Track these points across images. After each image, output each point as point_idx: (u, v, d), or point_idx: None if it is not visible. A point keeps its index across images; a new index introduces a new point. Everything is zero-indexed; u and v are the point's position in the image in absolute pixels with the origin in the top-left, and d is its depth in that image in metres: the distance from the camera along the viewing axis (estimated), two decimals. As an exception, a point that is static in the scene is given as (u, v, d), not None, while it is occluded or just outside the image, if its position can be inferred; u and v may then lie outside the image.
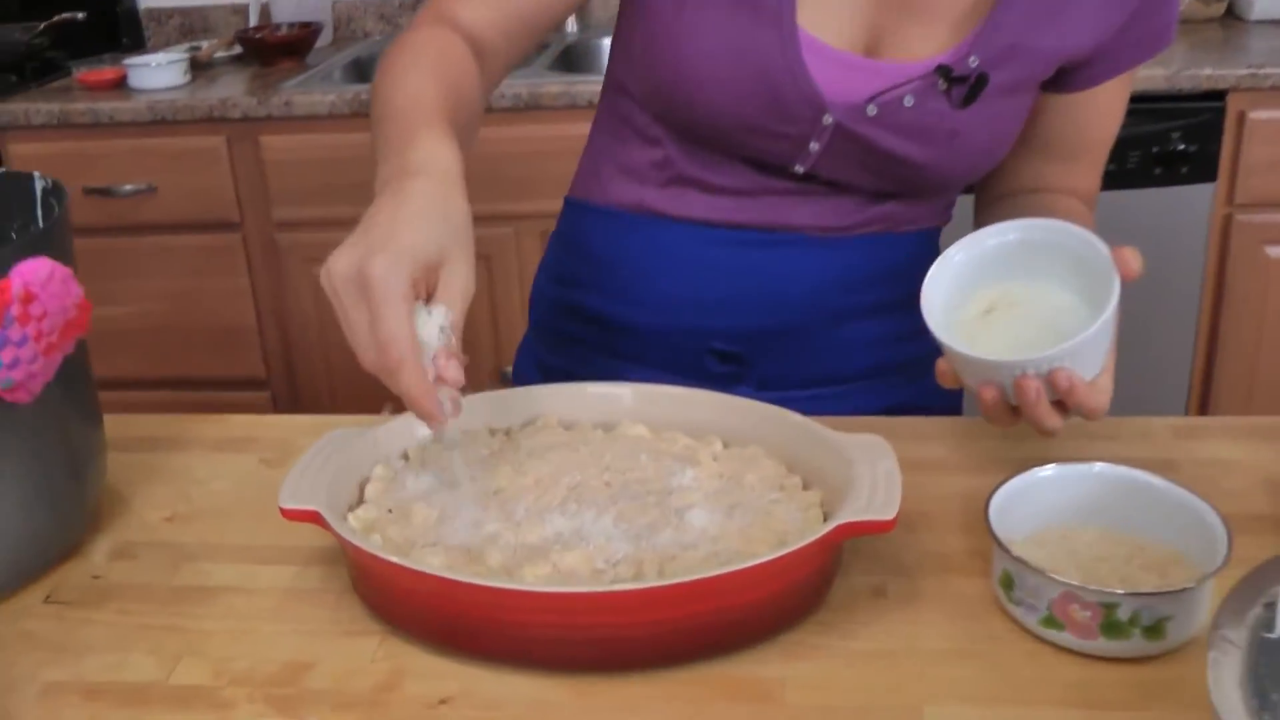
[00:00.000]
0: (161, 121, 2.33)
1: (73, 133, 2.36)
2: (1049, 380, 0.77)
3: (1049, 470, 0.78)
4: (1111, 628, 0.68)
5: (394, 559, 0.70)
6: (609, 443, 0.87)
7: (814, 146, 0.96)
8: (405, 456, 0.87)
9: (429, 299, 0.72)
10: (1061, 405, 0.80)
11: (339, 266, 0.70)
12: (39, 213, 0.87)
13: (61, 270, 0.74)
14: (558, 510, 0.78)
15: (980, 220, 1.09)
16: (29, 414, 0.78)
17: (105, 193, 2.37)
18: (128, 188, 2.37)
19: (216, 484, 0.96)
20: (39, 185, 0.87)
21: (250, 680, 0.73)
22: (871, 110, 0.94)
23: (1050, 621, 0.70)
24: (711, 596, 0.69)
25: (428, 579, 0.69)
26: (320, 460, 0.82)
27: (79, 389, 0.84)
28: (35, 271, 0.73)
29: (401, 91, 0.84)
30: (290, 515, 0.77)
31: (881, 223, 1.03)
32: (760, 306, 1.03)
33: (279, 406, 2.53)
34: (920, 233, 1.06)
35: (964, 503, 0.87)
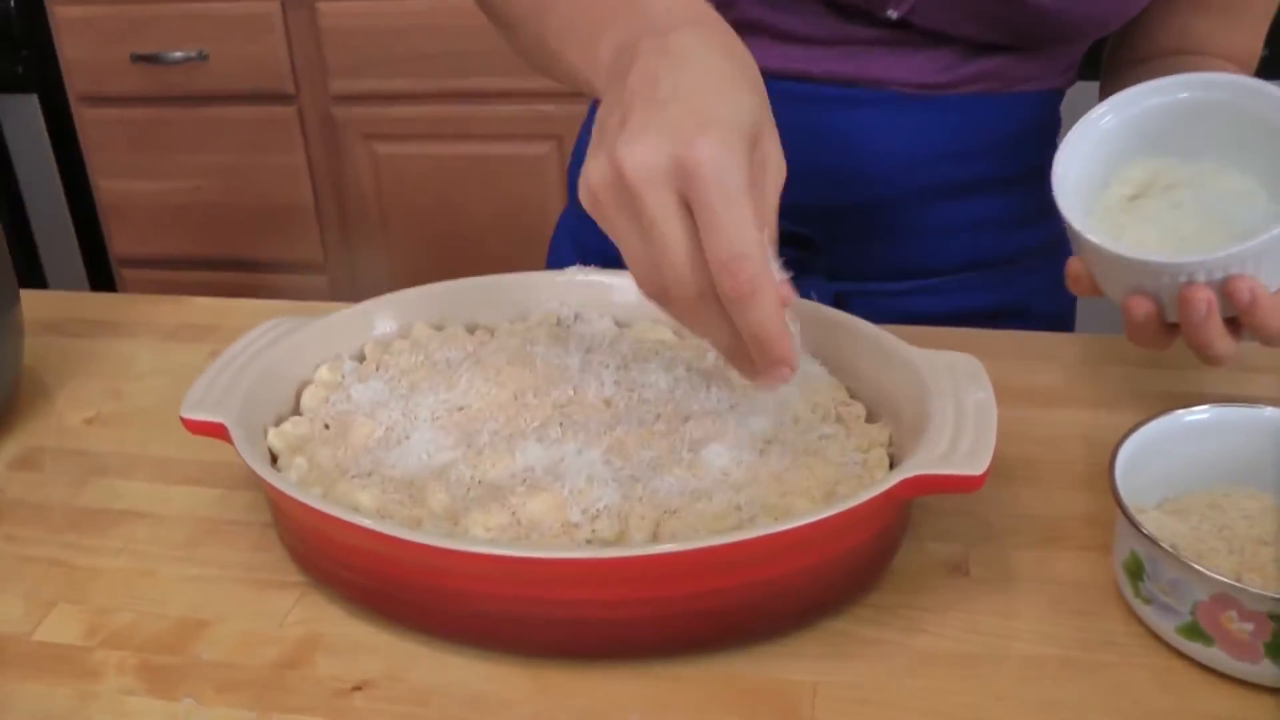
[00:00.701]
0: (212, -17, 2.17)
1: (120, -6, 2.21)
2: (1224, 290, 0.59)
3: (1201, 413, 0.60)
4: (1286, 647, 0.48)
5: (300, 495, 0.53)
6: (618, 349, 0.68)
7: None
8: (360, 356, 0.69)
9: None
10: (1234, 325, 0.62)
11: (639, 158, 0.49)
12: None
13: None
14: (534, 436, 0.59)
15: (1108, 93, 0.89)
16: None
17: (153, 60, 2.23)
18: (177, 55, 2.23)
19: (155, 379, 0.80)
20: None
21: (129, 641, 0.57)
22: None
23: (1194, 631, 0.50)
24: (723, 570, 0.50)
25: (341, 526, 0.52)
26: (245, 357, 0.64)
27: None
28: None
29: None
30: (193, 428, 0.60)
31: (989, 80, 0.83)
32: (836, 178, 0.85)
33: (337, 293, 2.39)
34: (1038, 94, 0.86)
35: (1081, 450, 0.68)
